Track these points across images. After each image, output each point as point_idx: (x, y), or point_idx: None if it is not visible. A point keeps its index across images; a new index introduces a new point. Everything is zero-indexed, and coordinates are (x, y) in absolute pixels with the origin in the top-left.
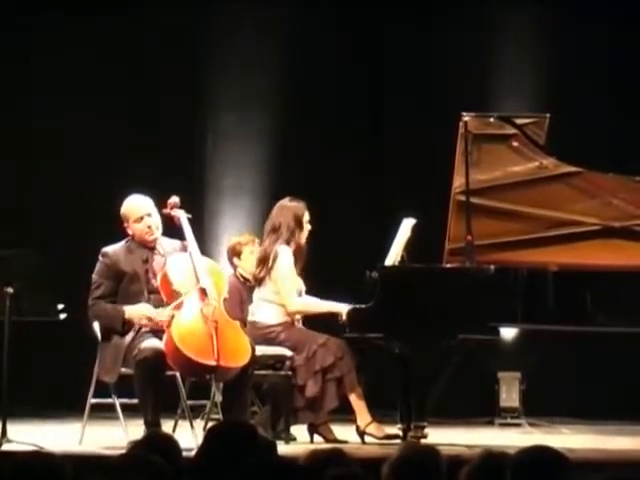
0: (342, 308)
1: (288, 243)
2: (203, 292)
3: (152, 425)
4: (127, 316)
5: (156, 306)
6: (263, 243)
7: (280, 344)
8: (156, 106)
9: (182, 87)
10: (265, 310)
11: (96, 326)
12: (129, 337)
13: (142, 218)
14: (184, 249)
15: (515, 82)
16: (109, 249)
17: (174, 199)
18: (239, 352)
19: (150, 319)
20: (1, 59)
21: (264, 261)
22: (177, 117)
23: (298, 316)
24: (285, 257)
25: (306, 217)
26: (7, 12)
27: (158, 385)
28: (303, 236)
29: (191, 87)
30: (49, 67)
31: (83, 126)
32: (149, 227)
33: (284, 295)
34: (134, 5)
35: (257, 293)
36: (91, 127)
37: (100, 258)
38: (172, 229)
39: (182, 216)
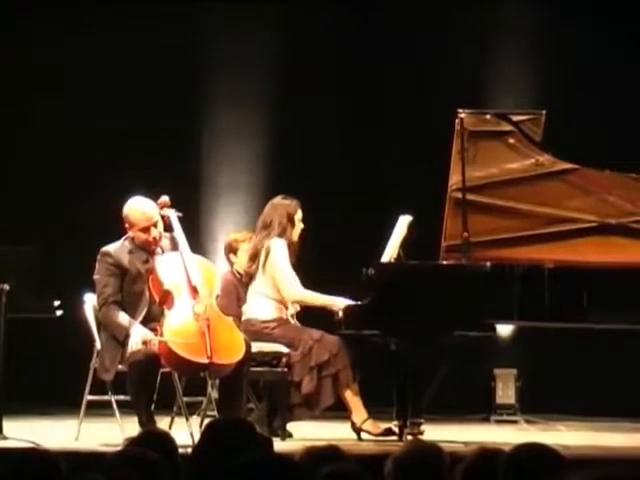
0: (340, 303)
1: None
2: (194, 290)
3: (147, 426)
4: (131, 332)
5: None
6: (254, 239)
7: (275, 341)
8: (153, 104)
9: (179, 85)
10: (258, 304)
11: (93, 325)
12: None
13: (149, 229)
14: (172, 240)
15: (513, 80)
16: (110, 248)
17: (164, 198)
18: (232, 348)
19: (145, 343)
20: (1, 56)
21: (255, 257)
22: (174, 115)
23: (293, 310)
24: (279, 249)
25: (299, 215)
26: (6, 8)
27: (151, 386)
28: (295, 233)
29: (187, 85)
30: (49, 66)
31: (81, 124)
32: (154, 238)
33: (282, 285)
34: (133, 4)
35: (250, 288)
36: (89, 125)
37: (100, 257)
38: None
39: (172, 215)
